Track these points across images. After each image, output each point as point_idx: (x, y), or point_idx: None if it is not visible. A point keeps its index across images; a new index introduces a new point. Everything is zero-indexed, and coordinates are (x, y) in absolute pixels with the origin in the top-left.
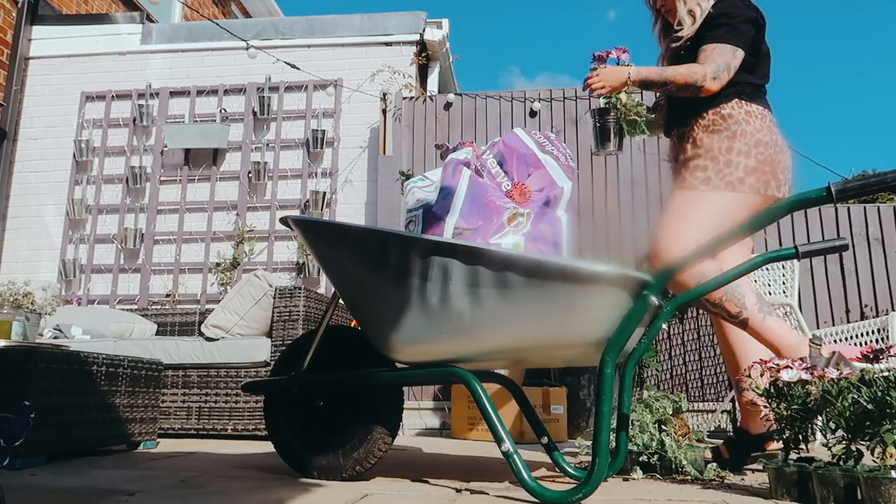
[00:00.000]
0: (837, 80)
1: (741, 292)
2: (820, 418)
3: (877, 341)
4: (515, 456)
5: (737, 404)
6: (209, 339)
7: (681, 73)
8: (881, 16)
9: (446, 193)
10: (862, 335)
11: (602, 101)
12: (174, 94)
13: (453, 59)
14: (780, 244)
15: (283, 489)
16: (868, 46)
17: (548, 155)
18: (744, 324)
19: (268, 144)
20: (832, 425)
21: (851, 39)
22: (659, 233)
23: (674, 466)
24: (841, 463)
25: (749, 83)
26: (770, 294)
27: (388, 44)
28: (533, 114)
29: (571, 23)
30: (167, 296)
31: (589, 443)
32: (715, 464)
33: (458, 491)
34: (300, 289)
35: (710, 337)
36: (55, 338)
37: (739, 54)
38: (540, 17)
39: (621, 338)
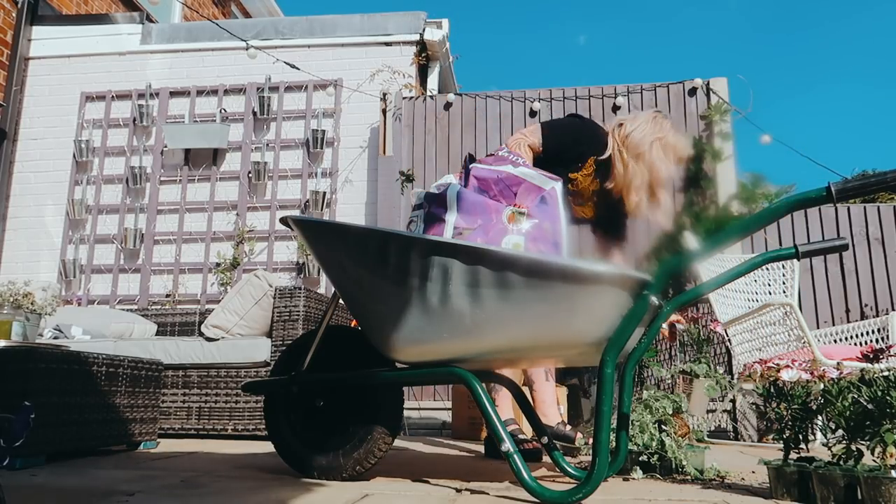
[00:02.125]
0: (839, 80)
1: None
2: (820, 418)
3: (877, 341)
4: (516, 456)
5: (736, 404)
6: (209, 339)
7: None
8: (882, 18)
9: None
10: (862, 335)
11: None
12: (174, 94)
13: (453, 58)
14: (780, 244)
15: (283, 489)
16: (870, 47)
17: (521, 167)
18: None
19: (268, 144)
20: (832, 425)
21: (854, 40)
22: None
23: (674, 466)
24: (841, 463)
25: None
26: (770, 294)
27: (387, 44)
28: (533, 114)
29: (542, 44)
30: (167, 296)
31: (589, 442)
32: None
33: (458, 491)
34: (300, 289)
35: (710, 337)
36: (55, 338)
37: None
38: (512, 35)
39: (621, 338)
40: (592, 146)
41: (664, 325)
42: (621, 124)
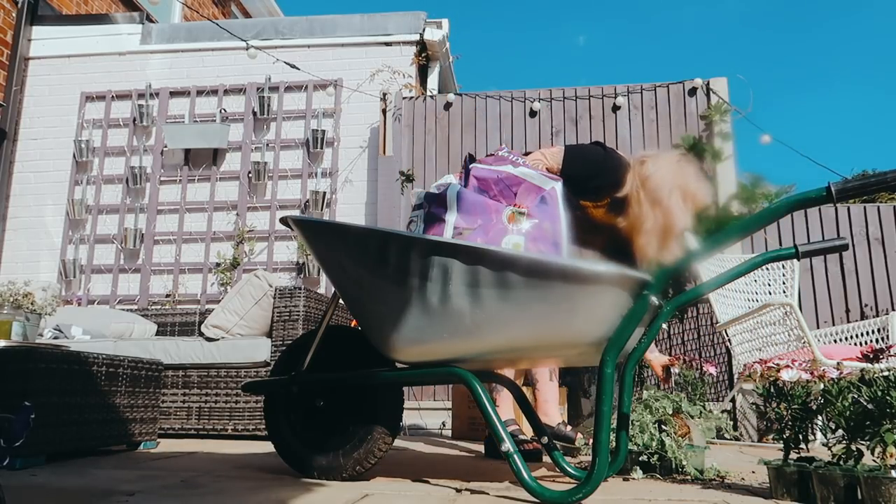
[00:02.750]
0: (839, 80)
1: None
2: (820, 418)
3: (877, 341)
4: (516, 456)
5: (736, 404)
6: (209, 340)
7: None
8: (883, 17)
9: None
10: (862, 335)
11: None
12: (174, 94)
13: (453, 58)
14: (780, 244)
15: (283, 489)
16: (871, 47)
17: (521, 167)
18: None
19: (268, 144)
20: (832, 425)
21: (855, 39)
22: None
23: (674, 466)
24: (841, 463)
25: None
26: (770, 294)
27: (388, 44)
28: (533, 114)
29: (542, 45)
30: (167, 296)
31: (589, 442)
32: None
33: (458, 491)
34: (300, 289)
35: (710, 337)
36: (55, 338)
37: None
38: (512, 35)
39: (621, 338)
40: (611, 182)
41: (659, 368)
42: (643, 162)
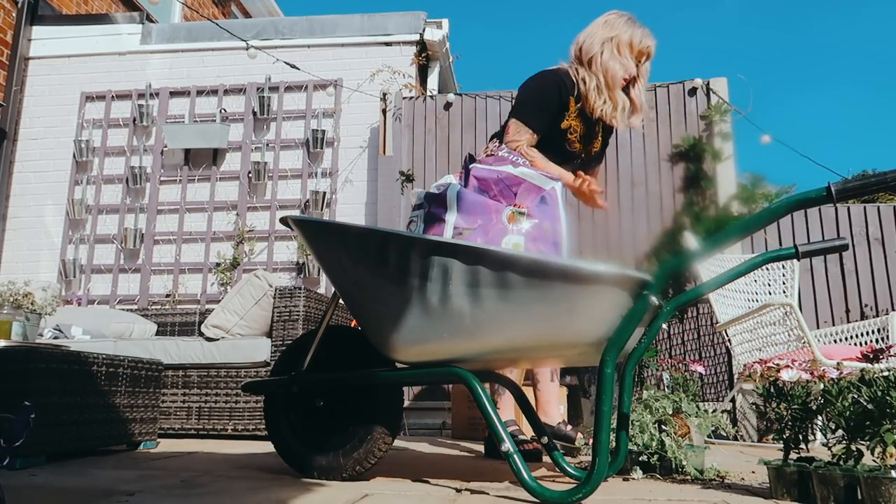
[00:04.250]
0: (839, 81)
1: None
2: (820, 418)
3: (877, 341)
4: (516, 456)
5: (736, 404)
6: (209, 339)
7: None
8: (883, 19)
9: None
10: (862, 335)
11: None
12: (174, 94)
13: (453, 58)
14: (780, 244)
15: (283, 489)
16: (870, 48)
17: (521, 167)
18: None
19: (268, 144)
20: (832, 425)
21: (854, 40)
22: None
23: (674, 466)
24: (841, 463)
25: None
26: (770, 294)
27: (388, 44)
28: None
29: (542, 45)
30: (167, 296)
31: (589, 442)
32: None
33: (458, 491)
34: (300, 289)
35: (710, 337)
36: (55, 338)
37: None
38: (512, 35)
39: (621, 338)
40: (561, 91)
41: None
42: (577, 41)
